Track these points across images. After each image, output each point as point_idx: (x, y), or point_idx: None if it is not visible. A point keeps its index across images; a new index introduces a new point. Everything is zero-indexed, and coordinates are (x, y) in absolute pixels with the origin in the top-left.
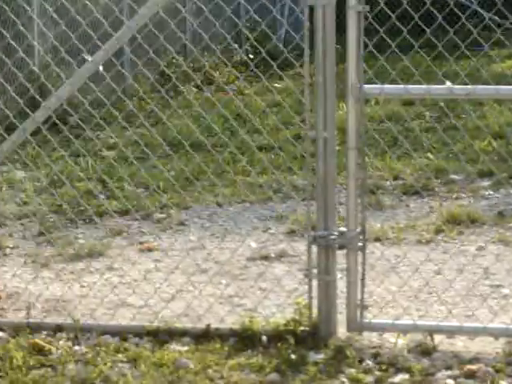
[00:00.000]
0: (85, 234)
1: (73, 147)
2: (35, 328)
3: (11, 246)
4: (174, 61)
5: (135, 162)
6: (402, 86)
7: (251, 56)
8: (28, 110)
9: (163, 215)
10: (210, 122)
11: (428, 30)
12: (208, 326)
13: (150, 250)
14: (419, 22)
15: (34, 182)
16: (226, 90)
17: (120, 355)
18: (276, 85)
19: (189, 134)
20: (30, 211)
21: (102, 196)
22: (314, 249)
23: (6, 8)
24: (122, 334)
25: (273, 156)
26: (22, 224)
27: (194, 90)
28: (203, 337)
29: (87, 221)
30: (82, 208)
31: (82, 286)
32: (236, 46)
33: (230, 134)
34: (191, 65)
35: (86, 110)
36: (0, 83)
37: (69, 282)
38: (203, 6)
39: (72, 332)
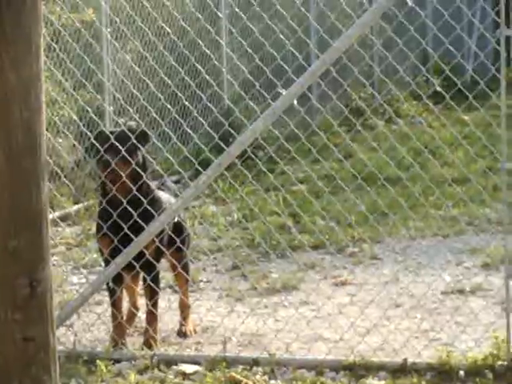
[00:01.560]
0: (278, 267)
1: (263, 181)
2: (231, 362)
3: (205, 279)
4: (362, 94)
5: (327, 195)
6: None
7: (438, 88)
8: (222, 145)
9: (356, 249)
10: (403, 155)
11: None
12: (405, 360)
13: (343, 283)
14: None
15: (225, 217)
16: (416, 122)
17: None
18: (464, 117)
19: (378, 167)
20: (223, 245)
21: (294, 230)
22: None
23: (201, 43)
24: (318, 368)
25: (463, 188)
26: (215, 258)
27: (381, 123)
28: (400, 371)
29: (279, 255)
30: (275, 242)
31: (277, 320)
32: (426, 77)
33: (420, 167)
34: (377, 98)
35: (276, 144)
36: (195, 118)
37: (263, 316)
38: (397, 39)
39: (268, 366)
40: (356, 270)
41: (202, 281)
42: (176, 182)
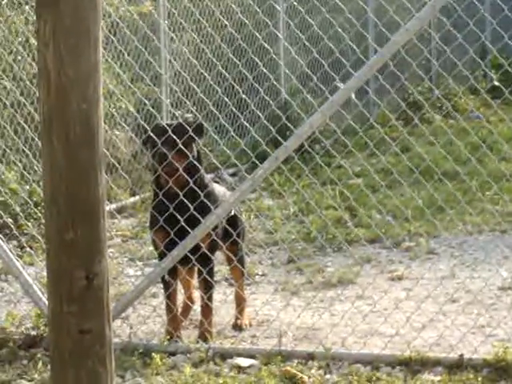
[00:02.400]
0: (333, 261)
1: (319, 175)
2: (287, 356)
3: (260, 273)
4: (420, 88)
5: (384, 189)
6: None
7: (496, 82)
8: (279, 138)
9: (412, 243)
10: (460, 149)
11: None
12: (461, 356)
13: (399, 278)
14: None
15: (282, 210)
16: (473, 117)
17: None
18: None
19: (435, 161)
20: (279, 239)
21: (350, 224)
22: None
23: (259, 36)
24: (373, 363)
25: None
26: (271, 251)
27: (438, 117)
28: (456, 367)
29: (335, 249)
30: (331, 236)
31: (333, 315)
32: (484, 71)
33: (477, 162)
34: (435, 92)
35: (332, 138)
36: (251, 111)
37: (319, 311)
38: (456, 33)
39: (323, 360)
40: (412, 265)
41: (257, 274)
42: (232, 175)
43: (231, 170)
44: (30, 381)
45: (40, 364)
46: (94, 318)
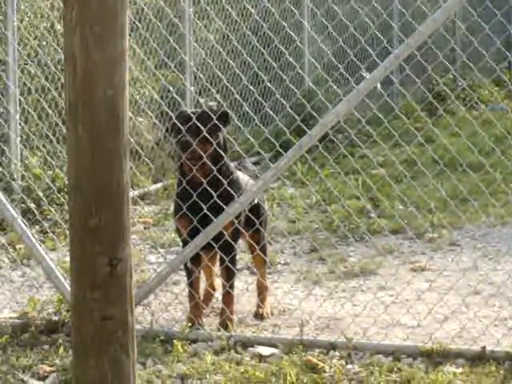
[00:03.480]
0: (356, 251)
1: (342, 164)
2: (308, 345)
3: (283, 262)
4: (444, 79)
5: (407, 180)
6: None
7: None
8: (303, 126)
9: (435, 234)
10: (484, 141)
11: None
12: (483, 348)
13: (422, 269)
14: None
15: (304, 199)
16: (497, 108)
17: (393, 375)
18: None
19: (459, 152)
20: (302, 228)
21: (373, 214)
22: None
23: (285, 24)
24: (395, 353)
25: None
26: (293, 240)
27: (463, 108)
28: (478, 359)
29: (358, 239)
30: (354, 226)
31: (355, 305)
32: (508, 63)
33: (501, 154)
34: (460, 83)
35: (356, 127)
36: (275, 100)
37: (341, 300)
38: (483, 24)
39: (345, 350)
40: (435, 256)
41: (279, 263)
42: (255, 164)
43: (253, 159)
44: (51, 366)
45: (61, 349)
46: (117, 304)
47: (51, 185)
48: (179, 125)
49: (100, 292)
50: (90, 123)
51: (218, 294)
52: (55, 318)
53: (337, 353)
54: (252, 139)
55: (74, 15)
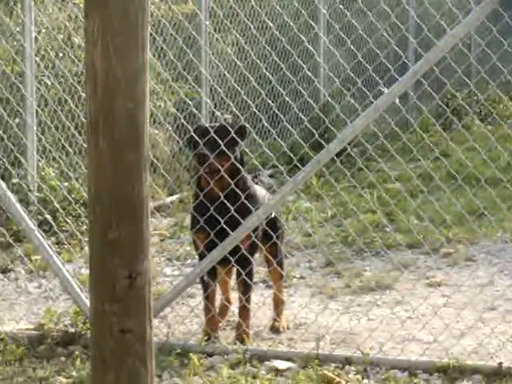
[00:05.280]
0: (371, 266)
1: (357, 178)
2: (324, 360)
3: (298, 276)
4: (459, 93)
5: (423, 194)
6: None
7: None
8: (320, 140)
9: (451, 249)
10: (500, 155)
11: None
12: (500, 364)
13: (438, 284)
14: None
15: (320, 212)
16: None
17: None
18: None
19: (475, 167)
20: (317, 241)
21: (389, 228)
22: None
23: (303, 38)
24: (411, 369)
25: None
26: (308, 254)
27: (478, 122)
28: (495, 375)
29: (374, 253)
30: (369, 240)
31: (371, 320)
32: None
33: None
34: (475, 97)
35: (372, 141)
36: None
37: (357, 315)
38: (503, 40)
39: (361, 365)
40: (451, 271)
41: (295, 277)
42: (270, 176)
43: (268, 172)
44: (67, 378)
45: (78, 361)
46: (136, 317)
47: (68, 196)
48: (197, 138)
49: (119, 305)
50: (110, 136)
51: (234, 308)
52: (72, 330)
53: (353, 367)
54: (269, 152)
55: (96, 28)
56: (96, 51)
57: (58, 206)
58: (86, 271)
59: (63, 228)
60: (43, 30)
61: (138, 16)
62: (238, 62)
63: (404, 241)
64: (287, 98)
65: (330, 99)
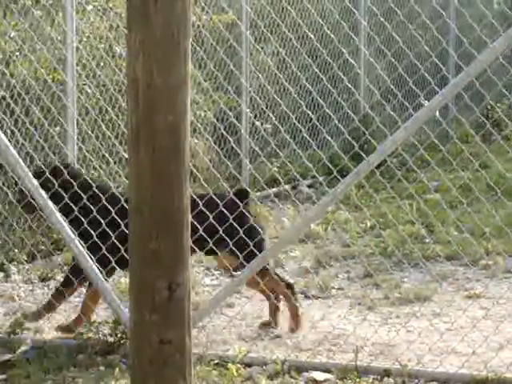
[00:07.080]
0: (410, 277)
1: (396, 189)
2: (362, 371)
3: (336, 287)
4: (499, 104)
5: (463, 206)
6: None
7: None
8: (360, 151)
9: (490, 262)
10: None
11: None
12: None
13: (477, 296)
14: None
15: (359, 223)
16: None
17: None
18: None
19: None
20: (356, 252)
21: (428, 240)
22: None
23: (343, 50)
24: (449, 381)
25: None
26: (347, 265)
27: None
28: None
29: (412, 264)
30: (408, 251)
31: (409, 331)
32: None
33: None
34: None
35: (411, 152)
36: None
37: (395, 327)
38: None
39: (399, 377)
40: (490, 284)
41: (334, 288)
42: (309, 187)
43: (307, 182)
44: None
45: (117, 371)
46: (175, 328)
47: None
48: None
49: (159, 315)
50: (151, 147)
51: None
52: (111, 339)
53: (391, 379)
54: (308, 163)
55: (138, 41)
56: (138, 64)
57: None
58: (125, 280)
59: None
60: (84, 39)
61: (180, 28)
62: (279, 74)
63: (443, 252)
64: (327, 110)
65: (369, 111)
